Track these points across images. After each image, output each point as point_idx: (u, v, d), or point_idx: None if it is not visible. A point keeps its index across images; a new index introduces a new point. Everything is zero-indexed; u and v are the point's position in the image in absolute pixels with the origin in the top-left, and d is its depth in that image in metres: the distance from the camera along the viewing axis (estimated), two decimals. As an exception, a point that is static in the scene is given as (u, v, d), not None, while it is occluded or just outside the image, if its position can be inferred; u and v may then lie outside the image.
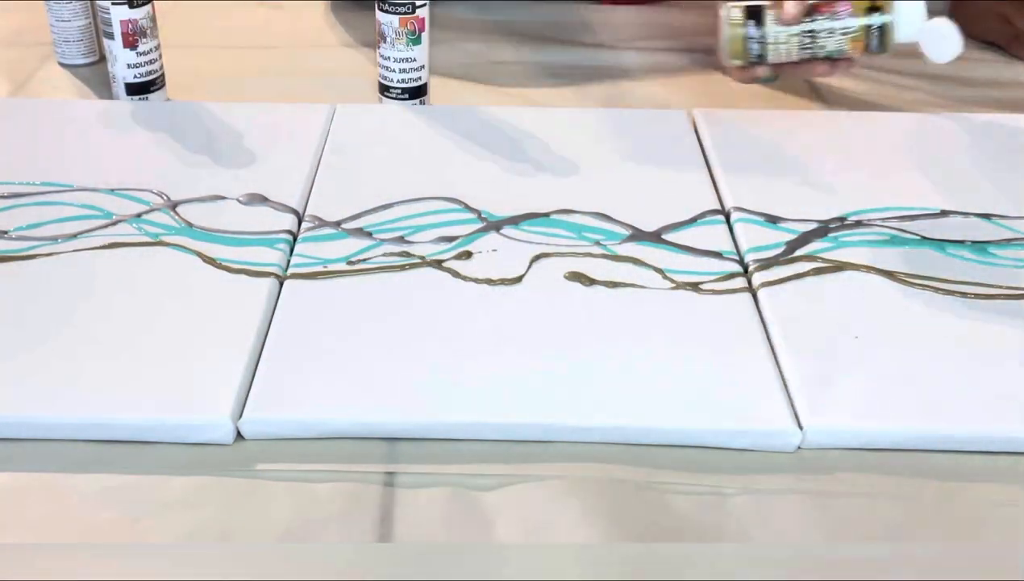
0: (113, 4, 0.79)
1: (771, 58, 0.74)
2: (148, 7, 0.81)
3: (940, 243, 0.67)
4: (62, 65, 0.92)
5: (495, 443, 0.53)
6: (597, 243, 0.66)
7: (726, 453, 0.52)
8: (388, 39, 0.81)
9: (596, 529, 0.48)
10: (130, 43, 0.81)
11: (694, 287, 0.62)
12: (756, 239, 0.66)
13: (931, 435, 0.53)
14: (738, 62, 0.76)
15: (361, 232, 0.67)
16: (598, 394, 0.54)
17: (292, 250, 0.65)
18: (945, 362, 0.57)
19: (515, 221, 0.68)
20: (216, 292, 0.61)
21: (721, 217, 0.69)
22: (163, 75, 0.84)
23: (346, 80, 0.90)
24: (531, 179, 0.73)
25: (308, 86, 0.89)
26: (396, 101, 0.83)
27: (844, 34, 0.71)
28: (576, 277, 0.63)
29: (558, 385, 0.54)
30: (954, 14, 1.02)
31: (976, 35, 0.99)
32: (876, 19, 0.69)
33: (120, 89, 0.83)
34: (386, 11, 0.80)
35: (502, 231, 0.67)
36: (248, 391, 0.54)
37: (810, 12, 0.72)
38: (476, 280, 0.62)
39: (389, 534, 0.48)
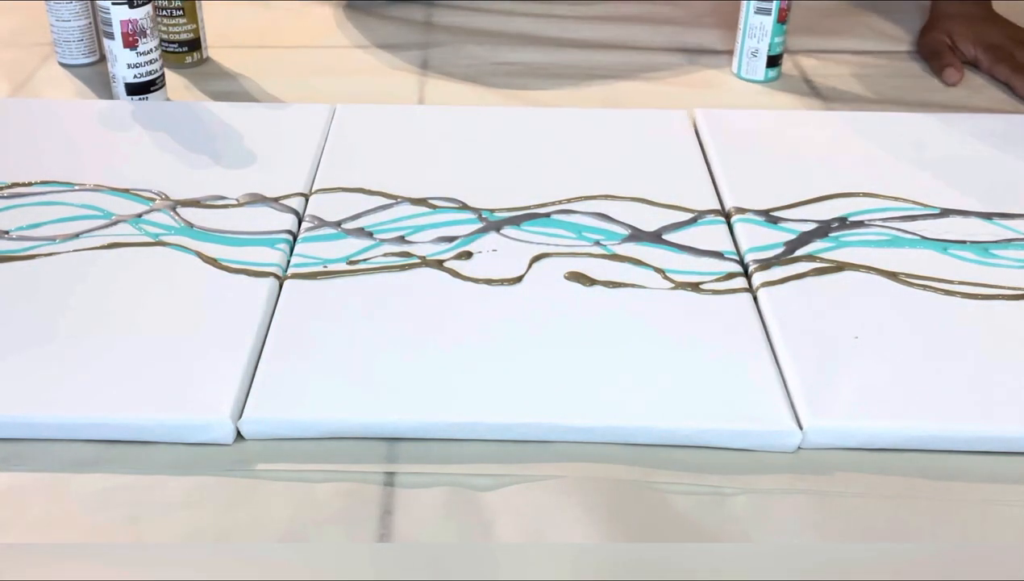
0: (113, 4, 0.79)
1: None
2: (148, 7, 0.81)
3: (940, 243, 0.67)
4: (62, 65, 0.92)
5: (495, 443, 0.53)
6: (597, 243, 0.66)
7: (726, 453, 0.52)
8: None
9: (596, 529, 0.48)
10: (130, 43, 0.81)
11: (694, 287, 0.62)
12: (756, 239, 0.66)
13: (931, 435, 0.53)
14: None
15: (361, 232, 0.67)
16: (598, 394, 0.54)
17: (292, 250, 0.65)
18: (945, 362, 0.57)
19: (515, 221, 0.68)
20: (216, 292, 0.61)
21: (721, 217, 0.69)
22: (163, 75, 0.84)
23: (347, 80, 0.90)
24: (531, 179, 0.73)
25: (308, 86, 0.89)
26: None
27: None
28: (576, 277, 0.63)
29: (558, 385, 0.54)
30: None
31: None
32: None
33: (120, 89, 0.83)
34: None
35: (502, 231, 0.67)
36: (248, 391, 0.54)
37: None
38: (476, 280, 0.62)
39: (389, 534, 0.48)
